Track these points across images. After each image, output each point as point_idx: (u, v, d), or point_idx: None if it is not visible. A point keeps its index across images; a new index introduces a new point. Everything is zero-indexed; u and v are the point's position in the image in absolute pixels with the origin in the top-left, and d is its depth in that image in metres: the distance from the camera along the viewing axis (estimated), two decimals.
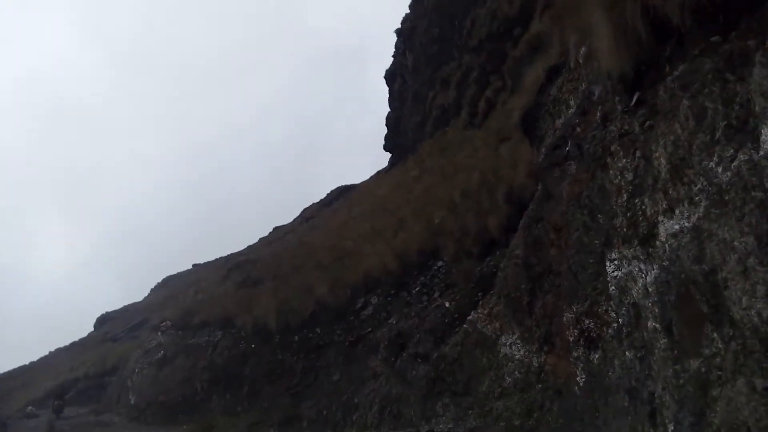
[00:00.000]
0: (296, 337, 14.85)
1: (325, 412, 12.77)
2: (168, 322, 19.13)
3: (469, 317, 10.41)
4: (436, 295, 12.92)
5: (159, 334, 19.01)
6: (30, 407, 26.70)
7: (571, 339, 5.78)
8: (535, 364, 7.58)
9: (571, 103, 6.89)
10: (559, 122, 7.25)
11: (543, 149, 7.49)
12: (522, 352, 8.18)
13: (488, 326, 9.54)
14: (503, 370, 8.50)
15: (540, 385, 7.16)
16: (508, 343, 8.68)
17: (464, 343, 10.15)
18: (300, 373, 14.17)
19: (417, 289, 13.53)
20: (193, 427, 14.24)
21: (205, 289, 21.28)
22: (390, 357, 12.51)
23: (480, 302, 10.90)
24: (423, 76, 41.74)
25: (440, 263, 13.59)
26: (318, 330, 14.70)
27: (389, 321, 13.42)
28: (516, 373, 8.03)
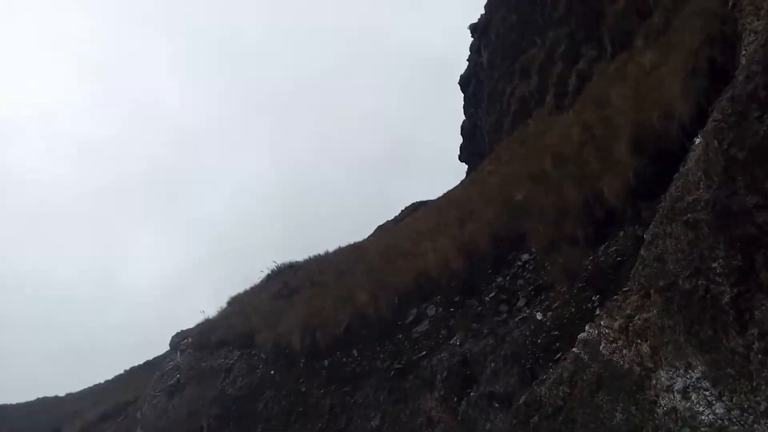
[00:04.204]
0: (326, 362, 10.90)
1: None
2: (189, 339, 15.89)
3: (582, 335, 6.02)
4: (521, 303, 8.55)
5: (177, 354, 15.79)
6: None
7: None
8: None
9: None
10: None
11: None
12: (721, 411, 3.75)
13: (624, 351, 5.12)
14: None
15: None
16: (675, 387, 4.26)
17: (574, 381, 5.77)
18: (328, 412, 10.16)
19: (492, 294, 9.19)
20: None
21: (239, 301, 18.00)
22: (451, 396, 8.28)
23: (598, 309, 6.48)
24: (499, 71, 37.31)
25: (526, 256, 9.20)
26: (355, 352, 10.69)
27: (451, 341, 9.15)
28: None
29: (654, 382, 4.50)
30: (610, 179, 7.83)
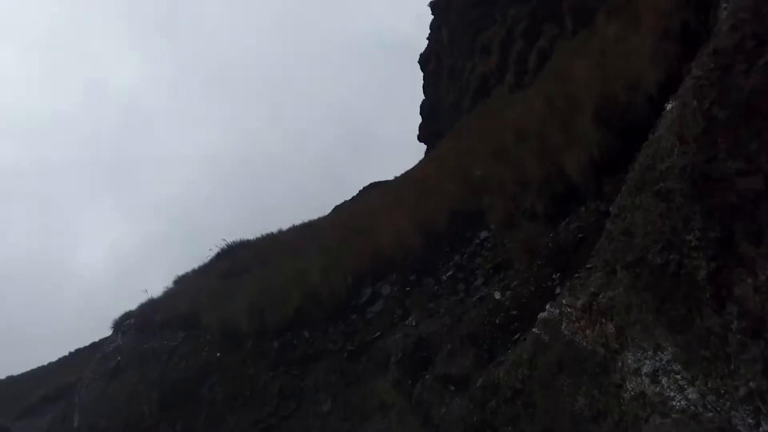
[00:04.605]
0: (275, 344, 10.40)
1: None
2: (131, 320, 15.08)
3: (542, 315, 5.70)
4: (479, 281, 8.24)
5: (119, 335, 14.99)
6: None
7: None
8: None
9: None
10: None
11: None
12: (694, 396, 3.45)
13: (587, 331, 4.81)
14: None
15: None
16: (643, 370, 3.95)
17: (534, 363, 5.46)
18: (276, 396, 9.68)
19: (449, 273, 8.85)
20: None
21: (185, 280, 17.21)
22: (405, 379, 7.91)
23: (559, 288, 6.19)
24: (460, 48, 36.82)
25: (485, 234, 8.87)
26: (306, 333, 10.21)
27: (406, 322, 8.78)
28: None
29: (620, 364, 4.19)
30: (572, 153, 7.52)
